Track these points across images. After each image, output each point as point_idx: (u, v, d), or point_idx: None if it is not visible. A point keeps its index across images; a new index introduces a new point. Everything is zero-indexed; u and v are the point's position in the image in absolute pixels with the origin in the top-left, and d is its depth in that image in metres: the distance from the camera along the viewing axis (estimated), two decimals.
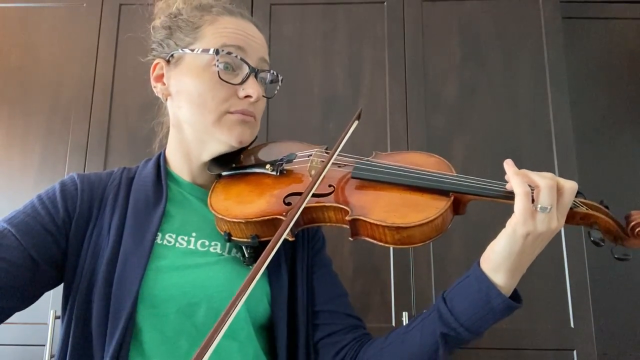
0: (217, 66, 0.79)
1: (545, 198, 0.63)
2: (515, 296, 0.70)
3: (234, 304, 0.56)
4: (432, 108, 1.62)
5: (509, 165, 0.67)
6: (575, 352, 1.43)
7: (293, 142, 0.93)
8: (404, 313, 1.45)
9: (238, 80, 0.81)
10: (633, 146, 1.84)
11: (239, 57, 0.80)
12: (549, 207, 0.63)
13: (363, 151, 1.58)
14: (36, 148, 1.65)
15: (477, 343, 1.44)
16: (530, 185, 0.65)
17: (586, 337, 1.43)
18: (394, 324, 1.46)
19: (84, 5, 1.74)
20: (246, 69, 0.81)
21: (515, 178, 0.65)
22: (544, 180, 0.63)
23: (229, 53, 0.80)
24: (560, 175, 0.66)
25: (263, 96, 0.85)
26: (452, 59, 1.65)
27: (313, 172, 0.82)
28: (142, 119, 1.62)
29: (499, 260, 0.67)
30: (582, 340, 1.43)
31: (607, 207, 0.71)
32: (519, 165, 0.67)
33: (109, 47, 1.70)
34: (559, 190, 0.64)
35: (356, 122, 0.86)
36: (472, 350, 1.44)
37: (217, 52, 0.79)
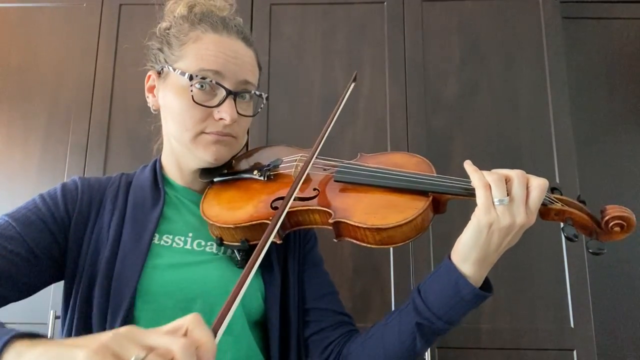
0: (192, 90, 0.80)
1: (495, 191, 0.67)
2: (487, 287, 0.73)
3: (228, 307, 0.57)
4: (432, 108, 1.62)
5: (468, 164, 0.71)
6: (575, 352, 1.42)
7: (283, 147, 0.97)
8: None
9: (215, 102, 0.82)
10: (633, 146, 1.85)
11: (214, 81, 0.81)
12: (504, 199, 0.66)
13: (363, 151, 1.58)
14: (36, 148, 1.65)
15: (477, 343, 1.44)
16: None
17: (586, 337, 1.43)
18: None
19: (84, 5, 1.74)
20: (223, 92, 0.82)
21: (474, 174, 0.69)
22: (491, 175, 0.68)
23: (203, 78, 0.80)
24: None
25: (244, 115, 0.85)
26: (452, 59, 1.65)
27: None
28: (142, 120, 1.62)
29: (465, 251, 0.70)
30: (582, 340, 1.43)
31: (583, 202, 0.72)
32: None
33: (109, 47, 1.70)
34: (528, 188, 0.67)
35: (352, 85, 0.88)
36: (472, 350, 1.44)
37: (191, 77, 0.80)
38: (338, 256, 1.51)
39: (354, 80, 0.89)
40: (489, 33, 1.67)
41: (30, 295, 0.77)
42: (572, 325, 1.44)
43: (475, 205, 0.69)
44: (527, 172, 0.70)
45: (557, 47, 1.63)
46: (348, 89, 0.87)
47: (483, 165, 0.73)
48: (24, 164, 1.64)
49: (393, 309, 1.47)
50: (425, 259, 1.50)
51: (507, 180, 0.68)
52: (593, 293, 1.47)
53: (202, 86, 0.81)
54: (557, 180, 1.51)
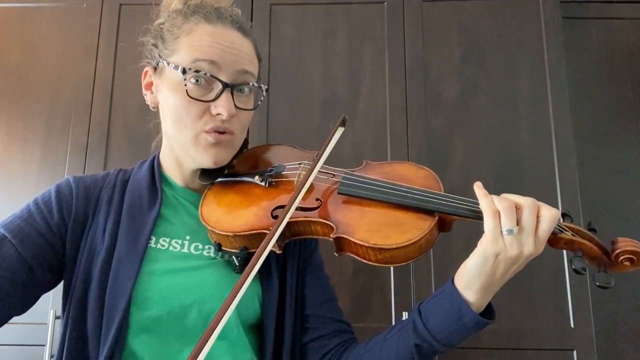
0: (186, 85, 0.77)
1: (505, 220, 0.64)
2: (489, 310, 0.73)
3: (220, 317, 0.56)
4: (432, 108, 1.62)
5: (478, 187, 0.69)
6: (575, 352, 1.42)
7: (286, 147, 0.94)
8: (404, 313, 1.45)
9: (212, 96, 0.78)
10: (633, 146, 1.84)
11: (209, 74, 0.77)
12: (513, 229, 0.64)
13: (363, 152, 1.58)
14: (36, 148, 1.65)
15: (477, 343, 1.44)
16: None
17: (586, 337, 1.43)
18: (393, 324, 1.46)
19: (84, 5, 1.74)
20: (219, 85, 0.78)
21: (483, 199, 0.67)
22: (501, 202, 0.65)
23: (197, 71, 0.77)
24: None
25: (243, 109, 0.82)
26: (452, 59, 1.65)
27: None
28: (142, 119, 1.61)
29: (470, 279, 0.68)
30: (582, 340, 1.43)
31: (594, 230, 0.70)
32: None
33: (109, 47, 1.70)
34: (538, 217, 0.65)
35: (341, 130, 0.85)
36: (472, 350, 1.44)
37: (184, 71, 0.77)
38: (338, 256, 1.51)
39: (343, 124, 0.85)
40: (489, 33, 1.66)
41: (33, 304, 0.77)
42: (572, 325, 1.44)
43: (481, 226, 0.66)
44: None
45: (557, 47, 1.63)
46: (335, 132, 0.83)
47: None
48: (24, 164, 1.64)
49: (393, 309, 1.47)
50: (425, 259, 1.49)
51: (517, 208, 0.65)
52: (593, 293, 1.46)
53: (197, 80, 0.77)
54: (557, 181, 1.51)
